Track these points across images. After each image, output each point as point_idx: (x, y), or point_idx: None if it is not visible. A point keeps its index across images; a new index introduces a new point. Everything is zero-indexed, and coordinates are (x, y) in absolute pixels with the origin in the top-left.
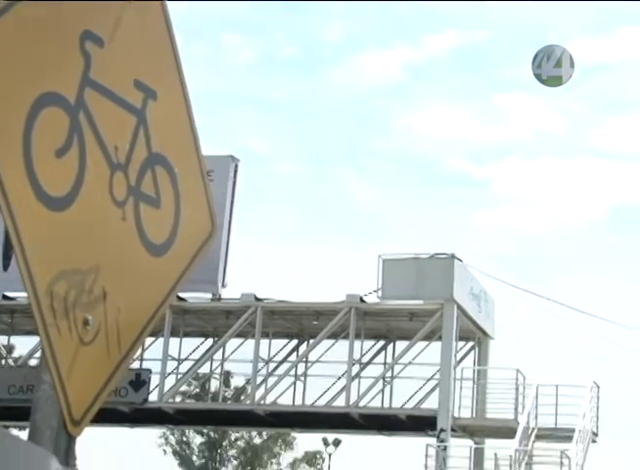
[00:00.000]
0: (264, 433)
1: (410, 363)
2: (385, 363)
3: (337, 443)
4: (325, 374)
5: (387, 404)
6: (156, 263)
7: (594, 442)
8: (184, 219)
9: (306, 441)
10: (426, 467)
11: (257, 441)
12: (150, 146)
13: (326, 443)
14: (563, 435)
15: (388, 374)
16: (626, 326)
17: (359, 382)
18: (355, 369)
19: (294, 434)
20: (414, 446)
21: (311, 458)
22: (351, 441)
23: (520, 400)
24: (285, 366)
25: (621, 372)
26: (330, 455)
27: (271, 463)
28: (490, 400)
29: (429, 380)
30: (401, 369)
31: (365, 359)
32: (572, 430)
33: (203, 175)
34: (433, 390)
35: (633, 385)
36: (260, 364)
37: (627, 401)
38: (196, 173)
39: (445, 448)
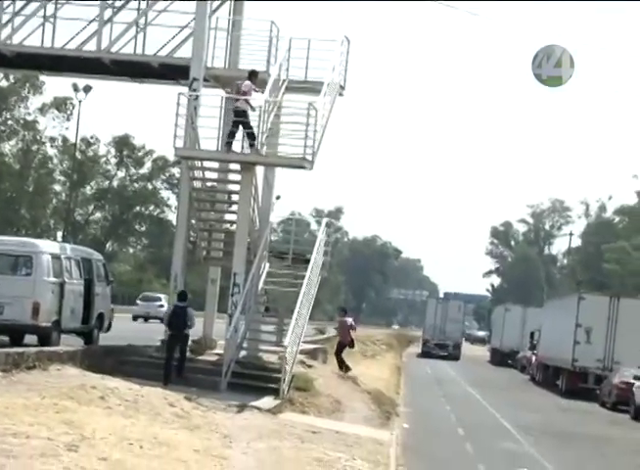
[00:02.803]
0: (11, 76)
1: (165, 10)
2: (138, 9)
3: (87, 89)
4: (76, 17)
5: (139, 51)
6: None
7: (341, 95)
8: None
9: (56, 86)
10: (177, 116)
11: (4, 84)
12: None
13: (76, 89)
14: (312, 87)
15: (142, 20)
16: None
17: (111, 27)
18: (108, 13)
19: (42, 78)
20: (166, 95)
21: (61, 104)
22: (102, 87)
23: (272, 53)
24: (33, 6)
25: (372, 24)
26: (80, 102)
27: (19, 107)
28: (243, 52)
29: (183, 29)
30: (155, 16)
31: (118, 4)
32: (321, 83)
33: None
34: (186, 39)
35: (382, 40)
36: (6, 2)
37: (376, 57)
38: None
39: (197, 98)
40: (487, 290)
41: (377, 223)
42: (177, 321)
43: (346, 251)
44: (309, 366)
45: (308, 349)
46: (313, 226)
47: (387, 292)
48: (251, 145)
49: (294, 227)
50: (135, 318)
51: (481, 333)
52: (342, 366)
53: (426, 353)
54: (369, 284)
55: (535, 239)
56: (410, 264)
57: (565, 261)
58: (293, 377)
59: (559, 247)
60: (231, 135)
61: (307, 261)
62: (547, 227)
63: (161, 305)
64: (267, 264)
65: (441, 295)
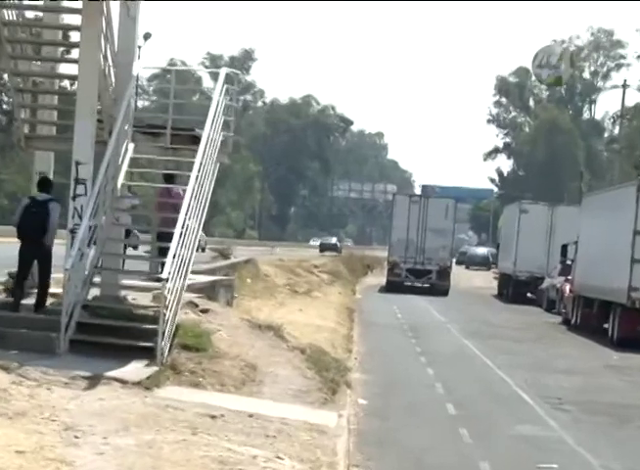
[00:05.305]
0: None
1: None
2: None
3: None
4: None
5: None
6: None
7: None
8: None
9: None
10: None
11: None
12: None
13: None
14: None
15: None
16: None
17: None
18: None
19: None
20: None
21: None
22: None
23: None
24: None
25: None
26: None
27: None
28: None
29: None
30: None
31: None
32: None
33: None
34: None
35: None
36: None
37: None
38: None
39: None
40: (492, 180)
41: (310, 77)
42: (31, 223)
43: (262, 123)
44: (204, 311)
45: (202, 283)
46: (206, 83)
47: (329, 188)
48: None
49: (173, 84)
50: None
51: (483, 250)
52: None
53: (394, 285)
54: (300, 176)
55: (568, 95)
56: (367, 142)
57: (615, 130)
58: (177, 329)
59: (605, 107)
60: None
61: (197, 140)
62: (587, 75)
63: None
64: (132, 146)
65: (417, 190)
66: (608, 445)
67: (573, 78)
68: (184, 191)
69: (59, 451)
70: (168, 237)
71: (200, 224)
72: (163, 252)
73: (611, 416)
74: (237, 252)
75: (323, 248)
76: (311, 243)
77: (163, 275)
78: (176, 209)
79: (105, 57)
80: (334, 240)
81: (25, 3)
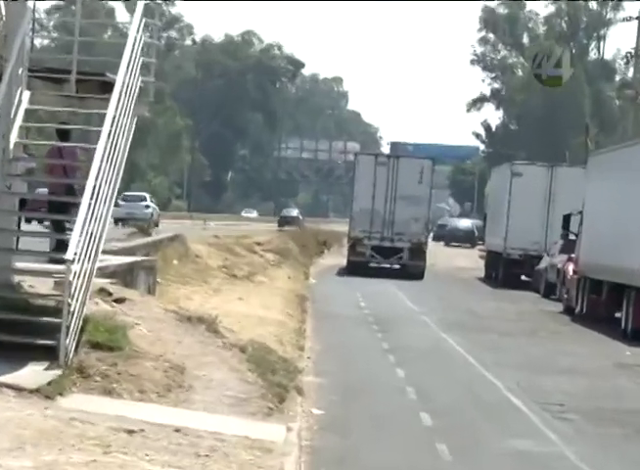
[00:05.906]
0: None
1: None
2: None
3: None
4: None
5: None
6: None
7: None
8: None
9: None
10: None
11: None
12: None
13: None
14: None
15: None
16: None
17: None
18: None
19: None
20: None
21: None
22: None
23: None
24: None
25: None
26: None
27: None
28: None
29: None
30: None
31: None
32: None
33: None
34: None
35: None
36: None
37: None
38: None
39: None
40: (477, 135)
41: (250, 10)
42: None
43: (191, 66)
44: (119, 300)
45: (117, 265)
46: (121, 16)
47: (275, 147)
48: None
49: (79, 18)
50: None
51: (467, 222)
52: None
53: (356, 267)
54: (239, 132)
55: (571, 30)
56: (322, 90)
57: (629, 73)
58: (85, 323)
59: (617, 44)
60: None
61: (110, 87)
62: (593, 5)
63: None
64: (27, 95)
65: (385, 149)
66: (618, 461)
67: (577, 9)
68: (84, 150)
69: None
70: (62, 208)
71: (114, 193)
72: (58, 226)
73: (622, 426)
74: (160, 226)
75: (282, 222)
76: (243, 215)
77: (68, 256)
78: (67, 172)
79: None
80: (295, 212)
81: None
